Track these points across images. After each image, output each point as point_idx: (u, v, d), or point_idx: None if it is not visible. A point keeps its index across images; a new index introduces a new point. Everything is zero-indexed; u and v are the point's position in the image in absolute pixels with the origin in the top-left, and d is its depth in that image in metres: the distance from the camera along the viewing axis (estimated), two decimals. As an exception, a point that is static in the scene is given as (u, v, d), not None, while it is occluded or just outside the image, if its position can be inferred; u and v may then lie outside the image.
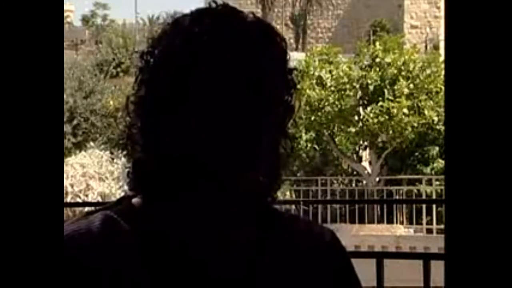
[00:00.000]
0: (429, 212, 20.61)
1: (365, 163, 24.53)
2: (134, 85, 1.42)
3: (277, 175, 1.44)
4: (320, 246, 1.49)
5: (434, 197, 21.07)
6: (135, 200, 1.43)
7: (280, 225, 1.47)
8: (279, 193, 1.46)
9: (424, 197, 21.61)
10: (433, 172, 22.62)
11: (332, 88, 22.69)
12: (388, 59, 22.75)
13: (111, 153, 21.42)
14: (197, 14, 1.41)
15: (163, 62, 1.38)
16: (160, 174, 1.38)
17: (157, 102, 1.37)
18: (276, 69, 1.40)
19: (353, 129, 22.97)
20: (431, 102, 22.34)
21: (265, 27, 1.42)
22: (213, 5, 1.43)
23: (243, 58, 1.36)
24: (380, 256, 4.37)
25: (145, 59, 1.41)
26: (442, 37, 32.59)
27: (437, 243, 16.57)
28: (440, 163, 22.32)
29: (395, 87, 22.36)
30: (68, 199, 18.85)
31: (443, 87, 19.59)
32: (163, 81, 1.37)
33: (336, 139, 23.92)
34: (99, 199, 19.25)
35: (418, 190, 22.12)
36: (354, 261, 1.55)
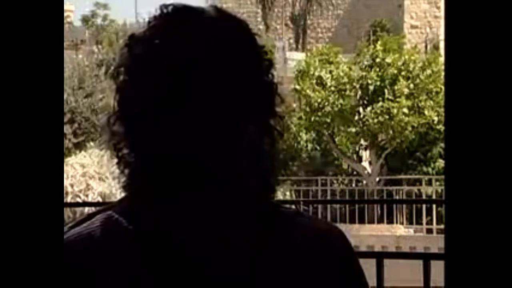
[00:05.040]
0: (429, 212, 20.61)
1: (365, 163, 24.54)
2: (115, 102, 1.41)
3: (275, 165, 1.43)
4: (324, 245, 1.48)
5: (434, 197, 21.08)
6: (135, 200, 1.43)
7: (281, 225, 1.46)
8: (279, 193, 1.45)
9: (424, 197, 21.62)
10: (433, 172, 22.62)
11: (332, 88, 22.69)
12: (388, 59, 22.76)
13: (111, 153, 21.37)
14: (165, 21, 1.40)
15: (157, 68, 1.36)
16: (159, 174, 1.37)
17: (156, 104, 1.36)
18: (258, 58, 1.40)
19: (353, 129, 22.99)
20: (431, 102, 22.36)
21: (227, 16, 1.41)
22: (165, 10, 1.41)
23: (235, 56, 1.36)
24: (380, 256, 4.36)
25: (116, 78, 1.41)
26: (442, 37, 32.58)
27: (437, 243, 16.59)
28: (440, 164, 22.32)
29: (395, 87, 22.38)
30: (68, 199, 18.82)
31: (443, 87, 19.59)
32: (162, 84, 1.36)
33: (336, 139, 23.93)
34: (99, 199, 19.22)
35: (419, 190, 22.12)
36: (355, 261, 1.55)
